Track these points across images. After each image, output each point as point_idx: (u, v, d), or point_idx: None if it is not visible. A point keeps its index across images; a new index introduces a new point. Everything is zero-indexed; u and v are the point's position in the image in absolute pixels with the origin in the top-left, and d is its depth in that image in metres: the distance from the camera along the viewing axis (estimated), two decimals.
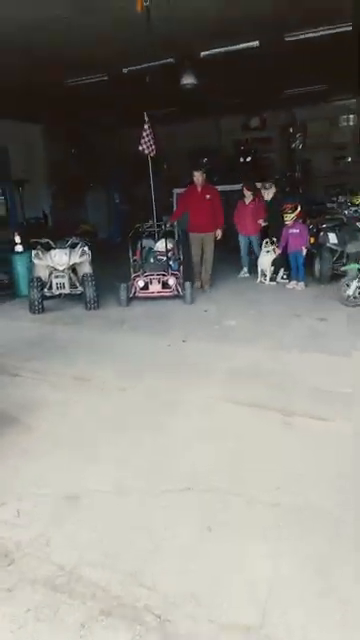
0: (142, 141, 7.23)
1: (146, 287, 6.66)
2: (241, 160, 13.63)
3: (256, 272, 7.72)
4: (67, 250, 6.58)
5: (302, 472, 2.80)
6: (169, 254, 6.99)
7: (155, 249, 7.20)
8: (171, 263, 6.97)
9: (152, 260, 7.08)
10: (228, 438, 3.21)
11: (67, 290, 6.57)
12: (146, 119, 7.20)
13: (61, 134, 15.03)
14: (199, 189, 7.23)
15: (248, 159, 13.45)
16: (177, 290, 6.66)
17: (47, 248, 6.72)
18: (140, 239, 7.44)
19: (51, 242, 6.71)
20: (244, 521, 2.43)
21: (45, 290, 6.58)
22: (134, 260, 7.15)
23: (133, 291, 6.70)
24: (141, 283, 6.66)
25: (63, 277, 6.52)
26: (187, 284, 6.65)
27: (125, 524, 2.45)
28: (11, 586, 2.08)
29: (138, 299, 6.77)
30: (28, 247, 7.15)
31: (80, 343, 5.35)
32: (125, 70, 8.51)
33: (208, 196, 7.17)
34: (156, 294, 6.66)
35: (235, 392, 3.90)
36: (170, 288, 6.65)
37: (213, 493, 2.66)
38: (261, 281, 7.61)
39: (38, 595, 2.03)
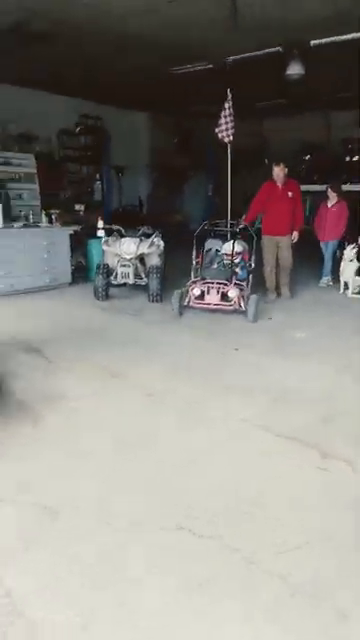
0: (220, 124, 6.39)
1: (202, 296, 5.72)
2: (347, 159, 12.52)
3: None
4: (136, 240, 6.39)
5: (320, 534, 2.28)
6: (237, 259, 6.14)
7: (222, 252, 6.30)
8: (238, 270, 6.12)
9: (215, 265, 6.20)
10: (247, 474, 2.75)
11: (131, 280, 6.39)
12: (229, 96, 6.39)
13: (166, 122, 14.96)
14: (279, 186, 6.49)
15: (355, 158, 12.31)
16: (239, 304, 5.66)
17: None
18: (205, 239, 6.57)
19: (122, 230, 6.57)
20: (232, 586, 2.00)
21: (111, 278, 6.47)
22: (196, 262, 6.25)
23: (187, 300, 5.79)
24: (197, 291, 5.70)
25: (129, 267, 6.35)
26: (253, 298, 5.68)
27: (94, 559, 2.13)
28: None
29: (190, 316, 5.85)
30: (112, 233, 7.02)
31: (129, 336, 5.13)
32: (229, 59, 8.15)
33: (290, 194, 6.47)
34: (212, 306, 5.66)
35: (275, 418, 3.40)
36: (230, 302, 5.65)
37: (208, 541, 2.25)
38: (344, 292, 6.87)
39: None
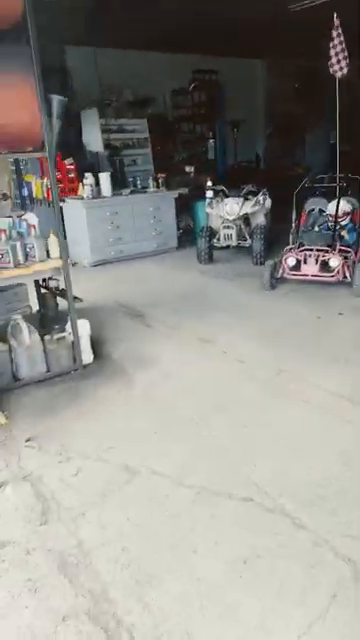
0: (330, 55, 5.50)
1: (299, 266, 5.00)
2: None
3: None
4: (239, 200, 6.19)
5: None
6: (344, 220, 5.31)
7: (326, 212, 5.47)
8: (344, 234, 5.31)
9: (317, 228, 5.40)
10: (338, 457, 2.62)
11: (234, 242, 6.25)
12: (336, 23, 5.48)
13: (285, 67, 13.94)
14: None
15: None
16: (344, 274, 4.91)
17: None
18: (307, 198, 5.82)
19: (225, 190, 6.41)
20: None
21: (214, 240, 6.40)
22: (295, 226, 5.58)
23: (281, 271, 5.13)
24: (291, 261, 4.98)
25: (232, 228, 6.21)
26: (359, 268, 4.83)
27: (164, 523, 2.22)
28: (27, 550, 2.10)
29: (288, 282, 5.25)
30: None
31: (227, 301, 5.07)
32: None
33: None
34: (310, 277, 4.92)
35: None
36: (332, 272, 4.89)
37: (277, 514, 2.21)
38: None
39: (44, 569, 2.01)
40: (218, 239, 6.37)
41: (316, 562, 1.97)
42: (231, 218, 6.15)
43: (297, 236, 5.39)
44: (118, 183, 7.70)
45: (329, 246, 5.03)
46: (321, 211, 5.58)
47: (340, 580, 1.89)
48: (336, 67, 5.53)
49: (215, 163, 12.18)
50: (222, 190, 6.48)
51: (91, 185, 6.57)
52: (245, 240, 6.30)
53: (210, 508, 2.28)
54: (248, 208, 6.16)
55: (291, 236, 5.44)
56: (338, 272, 4.88)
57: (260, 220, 6.34)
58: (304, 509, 2.24)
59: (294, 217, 5.59)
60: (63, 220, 7.10)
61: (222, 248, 6.49)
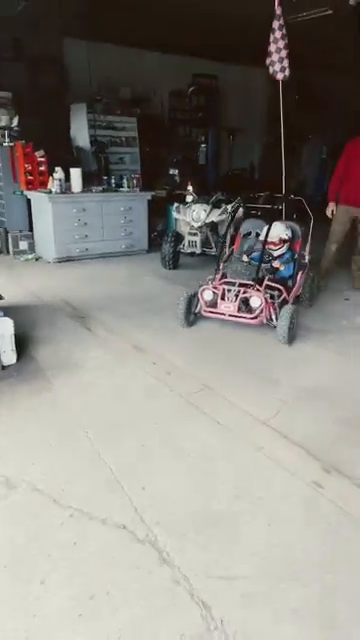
0: (270, 52, 4.82)
1: (215, 304, 4.17)
2: None
3: None
4: (207, 207, 6.03)
5: None
6: (280, 249, 4.57)
7: (261, 237, 4.65)
8: (278, 266, 4.55)
9: (245, 258, 4.57)
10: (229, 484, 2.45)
11: (198, 250, 6.07)
12: (277, 12, 4.74)
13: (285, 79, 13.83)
14: None
15: None
16: (269, 316, 4.11)
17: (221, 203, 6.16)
18: (241, 219, 5.28)
19: (194, 195, 6.25)
20: None
21: (180, 246, 6.24)
22: (229, 251, 4.91)
23: (198, 306, 4.32)
24: (207, 295, 4.18)
25: (196, 235, 6.04)
26: (287, 309, 4.01)
27: (21, 547, 2.05)
28: None
29: (205, 319, 4.37)
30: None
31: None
32: (352, 1, 7.11)
33: None
34: (227, 317, 4.09)
35: (291, 426, 2.99)
36: (252, 313, 4.03)
37: (146, 546, 2.04)
38: None
39: None
40: (183, 245, 6.21)
41: (167, 604, 1.80)
42: (196, 225, 5.98)
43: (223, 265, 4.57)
44: (99, 181, 7.56)
45: (257, 280, 4.15)
46: (258, 235, 4.87)
47: (186, 627, 1.72)
48: (276, 67, 4.97)
49: (204, 169, 12.02)
50: (192, 194, 6.30)
51: (60, 180, 6.41)
52: (211, 248, 6.14)
53: (77, 533, 2.11)
54: (215, 216, 5.99)
55: (218, 263, 4.59)
56: (258, 315, 4.04)
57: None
58: (176, 542, 2.07)
59: (227, 241, 5.01)
60: (30, 213, 7.01)
61: (190, 255, 6.33)
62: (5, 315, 3.61)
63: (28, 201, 6.98)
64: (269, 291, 4.20)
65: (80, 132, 9.51)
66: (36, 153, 6.84)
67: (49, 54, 9.82)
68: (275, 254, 4.61)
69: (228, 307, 4.04)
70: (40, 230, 6.82)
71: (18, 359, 3.60)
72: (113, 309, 4.81)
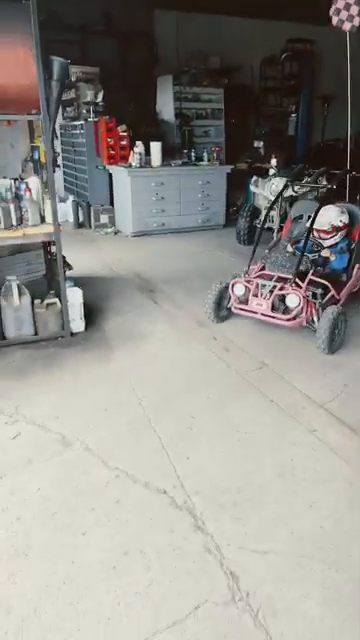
0: (335, 7, 4.19)
1: (246, 300, 3.61)
2: None
3: None
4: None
5: None
6: (332, 237, 3.89)
7: (307, 223, 3.93)
8: (329, 256, 3.85)
9: (288, 246, 3.97)
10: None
11: (276, 225, 5.89)
12: None
13: None
14: None
15: None
16: (311, 318, 3.55)
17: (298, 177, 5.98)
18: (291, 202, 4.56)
19: (275, 168, 6.04)
20: None
21: (256, 221, 6.11)
22: (277, 237, 4.39)
23: (228, 300, 3.82)
24: (239, 289, 3.64)
25: (274, 210, 5.86)
26: (330, 311, 3.39)
27: (68, 500, 2.22)
28: None
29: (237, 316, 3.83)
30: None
31: None
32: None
33: None
34: (259, 316, 3.54)
35: (348, 411, 2.89)
36: (289, 313, 3.44)
37: (183, 512, 2.11)
38: None
39: None
40: (260, 220, 6.05)
41: (196, 569, 1.86)
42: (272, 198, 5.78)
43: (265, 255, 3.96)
44: (180, 154, 7.57)
45: (299, 274, 3.53)
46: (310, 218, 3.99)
47: (211, 593, 1.77)
48: (342, 16, 4.28)
49: (293, 140, 11.52)
50: (270, 168, 6.11)
51: (140, 154, 6.51)
52: None
53: (120, 493, 2.23)
54: (295, 190, 5.75)
55: (254, 250, 3.94)
56: (297, 314, 3.44)
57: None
58: (213, 512, 2.12)
59: (275, 226, 4.42)
60: (111, 188, 7.21)
61: (266, 230, 6.16)
62: (77, 285, 3.80)
63: (110, 176, 7.18)
64: (312, 288, 3.51)
65: (166, 105, 9.52)
66: (118, 128, 6.98)
67: (139, 28, 9.87)
68: (326, 244, 3.91)
69: (260, 305, 3.47)
70: (120, 204, 7.01)
71: (86, 328, 3.79)
72: (182, 284, 4.87)
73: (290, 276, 3.50)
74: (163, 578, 1.82)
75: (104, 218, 7.20)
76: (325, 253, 3.87)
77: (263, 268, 3.79)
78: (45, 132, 3.16)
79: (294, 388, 3.07)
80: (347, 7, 4.24)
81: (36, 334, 3.62)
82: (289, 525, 2.05)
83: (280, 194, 4.71)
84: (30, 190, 3.35)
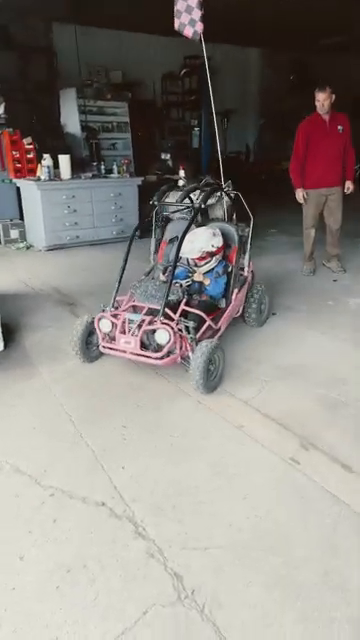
0: (178, 10, 4.05)
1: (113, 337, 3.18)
2: None
3: None
4: (196, 191, 6.00)
5: None
6: (206, 263, 3.54)
7: (184, 248, 3.38)
8: (202, 279, 3.50)
9: (160, 276, 3.71)
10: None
11: (152, 249, 6.08)
12: None
13: (280, 60, 13.68)
14: (326, 119, 4.99)
15: None
16: (184, 355, 3.12)
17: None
18: (162, 221, 4.08)
19: (184, 180, 6.23)
20: None
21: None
22: (152, 265, 3.97)
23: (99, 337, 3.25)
24: (105, 326, 3.18)
25: (185, 219, 6.04)
26: (202, 347, 2.96)
27: (1, 525, 2.13)
28: None
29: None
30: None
31: None
32: None
33: (340, 128, 5.02)
34: (129, 356, 3.12)
35: (270, 404, 3.05)
36: (159, 351, 3.03)
37: (123, 521, 2.11)
38: None
39: None
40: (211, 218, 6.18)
41: (141, 575, 1.87)
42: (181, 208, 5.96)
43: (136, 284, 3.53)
44: (90, 167, 7.55)
45: (173, 304, 3.17)
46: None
47: (158, 596, 1.79)
48: (181, 23, 4.10)
49: (198, 152, 11.96)
50: (176, 180, 6.28)
51: (48, 167, 6.41)
52: None
53: (57, 511, 2.18)
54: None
55: (120, 280, 3.49)
56: (175, 350, 3.05)
57: (218, 214, 6.16)
58: (153, 517, 2.14)
59: (152, 247, 4.07)
60: (20, 201, 7.02)
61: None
62: None
63: (18, 189, 6.98)
64: (183, 321, 3.08)
65: (70, 118, 9.46)
66: (24, 140, 6.83)
67: (38, 41, 9.73)
68: (200, 270, 3.55)
69: (129, 343, 3.05)
70: (30, 218, 6.84)
71: (5, 346, 3.65)
72: (101, 296, 4.77)
73: (158, 307, 3.09)
74: (109, 589, 1.82)
75: (14, 233, 6.97)
76: (198, 277, 3.51)
77: (128, 299, 3.40)
78: None
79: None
80: (189, 10, 4.09)
81: None
82: (227, 519, 2.13)
83: (153, 216, 4.02)
84: None
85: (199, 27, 4.16)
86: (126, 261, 3.54)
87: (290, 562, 1.93)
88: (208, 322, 3.29)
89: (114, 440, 2.67)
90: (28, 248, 6.87)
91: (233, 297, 3.63)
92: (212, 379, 3.09)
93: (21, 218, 7.06)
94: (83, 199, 6.67)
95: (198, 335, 3.18)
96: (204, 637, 1.65)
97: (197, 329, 3.17)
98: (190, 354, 3.06)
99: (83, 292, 4.95)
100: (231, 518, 2.14)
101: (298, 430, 2.73)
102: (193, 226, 3.63)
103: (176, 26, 4.27)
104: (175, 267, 3.26)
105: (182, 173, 6.90)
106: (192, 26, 4.18)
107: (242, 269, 3.88)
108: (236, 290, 3.67)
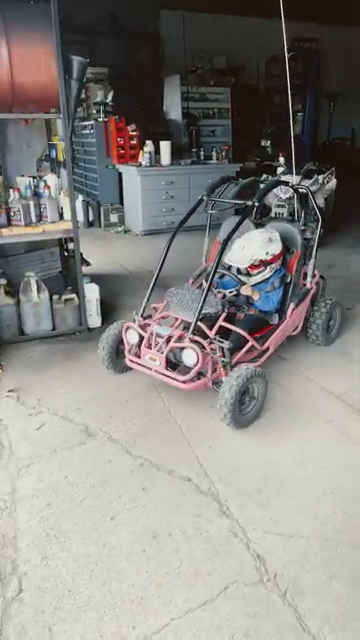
0: None
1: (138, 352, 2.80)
2: None
3: None
4: (297, 177, 5.84)
5: None
6: (259, 273, 3.06)
7: (233, 254, 3.01)
8: (251, 295, 3.02)
9: (191, 278, 3.44)
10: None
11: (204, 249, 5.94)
12: None
13: None
14: None
15: None
16: (215, 382, 2.71)
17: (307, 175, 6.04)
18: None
19: (284, 166, 6.09)
20: None
21: (264, 219, 6.14)
22: (202, 267, 3.53)
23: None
24: (132, 336, 2.83)
25: (283, 207, 5.90)
26: (236, 374, 2.52)
27: (95, 486, 2.27)
28: None
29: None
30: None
31: None
32: None
33: None
34: (153, 374, 2.71)
35: None
36: (187, 372, 2.59)
37: (208, 498, 2.16)
38: None
39: None
40: (270, 217, 6.10)
41: (224, 551, 1.91)
42: (284, 196, 5.85)
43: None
44: (189, 153, 7.64)
45: (209, 322, 2.75)
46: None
47: (240, 574, 1.82)
48: None
49: (300, 139, 11.57)
50: (279, 166, 6.16)
51: (150, 153, 6.57)
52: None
53: (146, 480, 2.28)
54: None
55: (154, 285, 3.12)
56: (198, 373, 2.59)
57: (319, 202, 5.95)
58: (237, 497, 2.17)
59: (205, 247, 3.60)
60: (121, 187, 7.28)
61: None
62: (92, 282, 3.86)
63: (119, 175, 7.24)
64: (218, 340, 2.64)
65: (173, 105, 9.59)
66: (128, 127, 7.04)
67: (145, 28, 9.95)
68: (252, 280, 3.07)
69: (154, 360, 2.66)
70: (129, 203, 7.07)
71: (103, 323, 3.85)
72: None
73: (192, 321, 2.65)
74: (192, 560, 1.88)
75: (114, 217, 7.26)
76: (246, 291, 3.01)
77: (162, 311, 2.97)
78: (65, 130, 3.22)
79: (309, 379, 3.10)
80: None
81: (54, 329, 3.69)
82: (313, 510, 2.10)
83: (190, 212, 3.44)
84: (49, 187, 3.40)
85: None
86: (164, 261, 3.16)
87: None
88: (251, 342, 2.82)
89: (201, 419, 2.72)
90: (126, 232, 7.13)
91: (289, 313, 3.10)
92: (246, 413, 2.61)
93: (121, 203, 7.32)
94: (181, 185, 6.76)
95: (239, 356, 2.76)
96: (284, 621, 1.65)
97: (237, 349, 2.75)
98: (224, 379, 2.60)
99: (175, 276, 5.01)
100: (318, 510, 2.10)
101: None
102: (251, 226, 3.31)
103: None
104: (214, 275, 2.76)
105: (282, 160, 6.73)
106: None
107: (304, 279, 3.30)
108: (293, 304, 3.13)
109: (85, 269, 4.09)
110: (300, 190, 3.70)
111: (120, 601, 1.72)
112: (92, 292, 3.75)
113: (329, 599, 1.73)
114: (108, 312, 4.06)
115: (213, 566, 1.85)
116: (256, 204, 2.96)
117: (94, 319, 3.80)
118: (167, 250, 3.17)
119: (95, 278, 4.08)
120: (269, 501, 2.15)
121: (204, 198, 3.33)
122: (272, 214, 6.04)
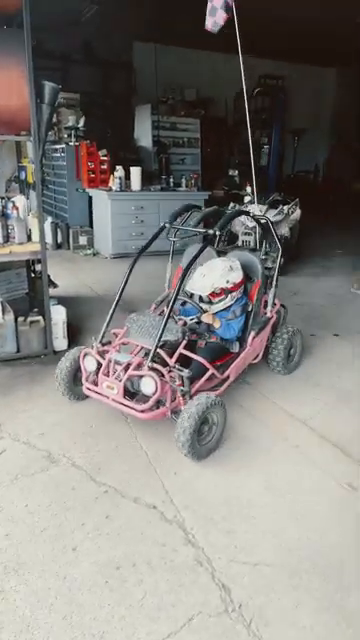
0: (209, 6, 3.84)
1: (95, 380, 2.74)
2: None
3: None
4: (263, 207, 6.02)
5: None
6: (221, 300, 3.03)
7: (195, 282, 3.02)
8: (212, 322, 2.98)
9: (153, 304, 3.38)
10: None
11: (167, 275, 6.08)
12: None
13: (355, 78, 13.50)
14: None
15: None
16: (174, 411, 2.63)
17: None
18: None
19: (251, 196, 6.26)
20: None
21: (228, 247, 6.27)
22: (165, 294, 3.50)
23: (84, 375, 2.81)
24: (90, 363, 2.75)
25: (250, 235, 6.05)
26: (194, 403, 2.47)
27: (57, 515, 2.20)
28: None
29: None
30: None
31: None
32: None
33: None
34: (111, 402, 2.64)
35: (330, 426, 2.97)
36: (146, 400, 2.54)
37: (173, 526, 2.12)
38: None
39: None
40: (237, 245, 6.23)
41: (189, 581, 1.87)
42: (250, 225, 5.99)
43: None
44: (159, 180, 7.77)
45: (172, 346, 2.71)
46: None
47: (204, 604, 1.78)
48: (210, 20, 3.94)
49: (266, 170, 11.96)
50: (243, 197, 6.33)
51: (120, 178, 6.64)
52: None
53: (110, 508, 2.23)
54: (270, 217, 5.96)
55: (112, 313, 3.10)
56: (163, 403, 2.61)
57: (283, 231, 6.15)
58: (202, 525, 2.14)
59: (169, 272, 3.62)
60: (91, 210, 7.31)
61: None
62: (59, 304, 3.82)
63: (89, 198, 7.27)
64: (177, 368, 2.59)
65: (144, 133, 9.78)
66: (99, 152, 7.12)
67: (118, 58, 10.18)
68: (214, 308, 3.05)
69: (112, 388, 2.60)
70: (99, 226, 7.09)
71: (69, 346, 3.79)
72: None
73: (150, 347, 2.62)
74: (156, 591, 1.83)
75: (83, 239, 7.25)
76: (207, 319, 2.98)
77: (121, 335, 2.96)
78: (35, 153, 3.23)
79: (275, 405, 3.14)
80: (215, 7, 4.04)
81: (18, 351, 3.60)
82: (278, 537, 2.09)
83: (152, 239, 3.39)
84: (17, 208, 3.38)
85: (220, 18, 3.81)
86: (125, 286, 3.14)
87: (342, 588, 1.86)
88: (211, 371, 2.79)
89: (168, 445, 2.69)
90: (95, 255, 7.12)
91: (249, 341, 3.09)
92: (204, 444, 2.56)
93: (90, 226, 7.33)
94: (151, 210, 6.84)
95: (199, 384, 2.72)
96: None
97: (197, 378, 2.71)
98: (182, 408, 2.53)
99: (144, 300, 5.04)
100: (283, 537, 2.10)
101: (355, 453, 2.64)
102: (213, 254, 3.36)
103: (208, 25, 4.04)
104: (174, 301, 2.75)
105: (249, 189, 6.92)
106: (212, 15, 3.88)
107: (264, 307, 3.31)
108: (254, 333, 3.12)
109: (52, 291, 4.06)
110: (261, 220, 3.75)
111: (81, 635, 1.65)
112: (59, 314, 3.70)
113: (294, 628, 1.72)
114: (75, 335, 4.01)
115: (177, 597, 1.81)
116: (217, 233, 3.00)
117: (60, 342, 3.75)
118: (128, 275, 3.14)
119: (62, 300, 4.05)
120: (235, 528, 2.13)
121: (166, 225, 3.29)
122: (239, 242, 6.18)
